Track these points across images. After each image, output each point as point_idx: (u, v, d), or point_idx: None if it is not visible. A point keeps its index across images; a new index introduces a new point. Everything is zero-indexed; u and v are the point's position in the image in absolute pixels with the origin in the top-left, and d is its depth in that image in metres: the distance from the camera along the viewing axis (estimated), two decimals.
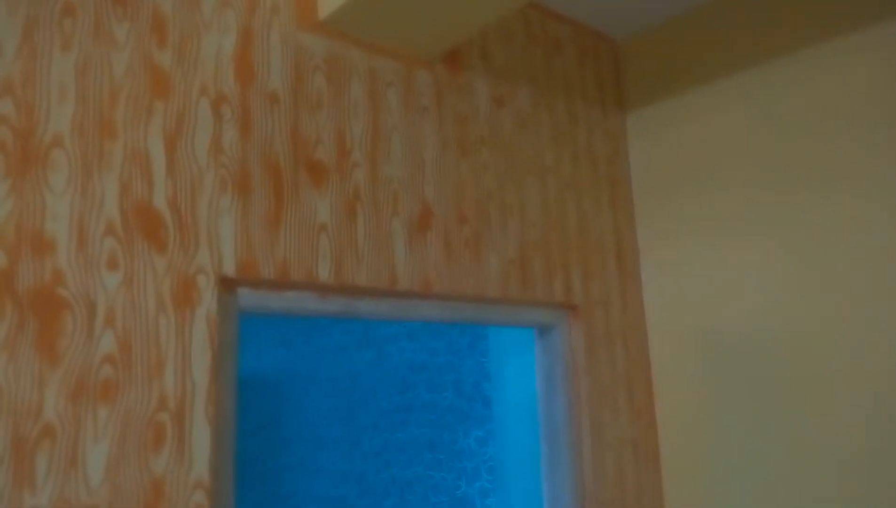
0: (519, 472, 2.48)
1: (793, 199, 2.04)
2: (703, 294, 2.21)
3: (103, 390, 1.22)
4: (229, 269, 1.40)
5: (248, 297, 1.46)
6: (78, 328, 1.21)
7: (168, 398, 1.28)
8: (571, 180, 2.19)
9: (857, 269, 1.89)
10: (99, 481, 1.18)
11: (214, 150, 1.42)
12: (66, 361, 1.19)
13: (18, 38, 1.22)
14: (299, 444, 3.88)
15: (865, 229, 1.89)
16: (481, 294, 1.86)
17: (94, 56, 1.30)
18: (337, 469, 3.57)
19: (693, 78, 2.32)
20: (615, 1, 2.29)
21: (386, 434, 3.28)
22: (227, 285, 1.42)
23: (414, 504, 3.08)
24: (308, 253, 1.52)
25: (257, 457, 4.22)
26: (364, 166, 1.66)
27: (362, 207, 1.64)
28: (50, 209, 1.21)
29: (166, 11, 1.41)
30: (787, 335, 2.01)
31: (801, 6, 2.09)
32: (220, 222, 1.40)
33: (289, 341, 4.03)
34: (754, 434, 2.04)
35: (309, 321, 3.99)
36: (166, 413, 1.27)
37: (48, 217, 1.20)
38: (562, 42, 2.29)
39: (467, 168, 1.90)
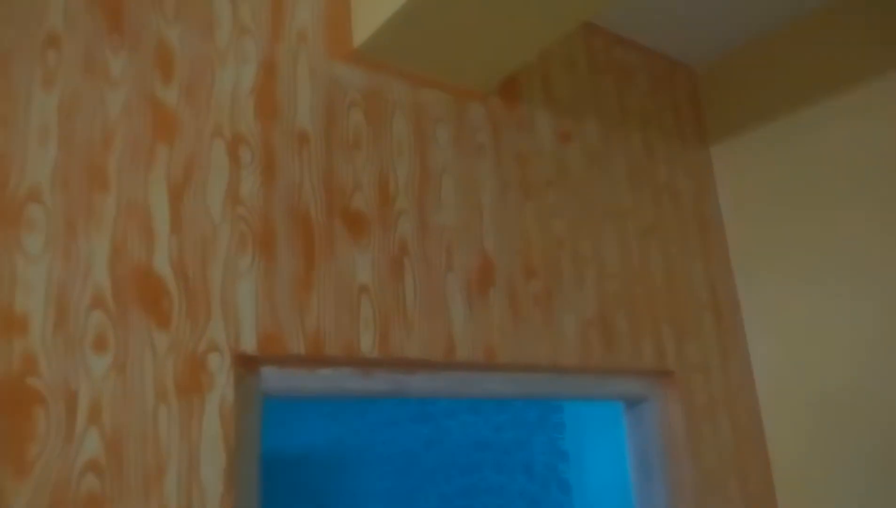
0: None
1: None
2: (822, 351, 1.83)
3: (86, 507, 0.94)
4: (249, 344, 1.13)
5: (273, 377, 1.18)
6: (53, 428, 0.95)
7: None
8: (654, 224, 1.88)
9: None
10: None
11: (231, 200, 1.18)
12: (37, 471, 0.92)
13: None
14: None
15: None
16: (556, 362, 1.54)
17: (83, 93, 1.09)
18: None
19: (783, 103, 2.00)
20: (689, 25, 2.02)
21: None
22: (246, 364, 1.15)
23: None
24: (347, 321, 1.25)
25: None
26: (411, 215, 1.40)
27: (410, 262, 1.37)
28: (22, 278, 0.97)
29: (173, 41, 1.20)
30: None
31: None
32: (237, 286, 1.15)
33: (338, 414, 3.73)
34: None
35: None
36: None
37: (19, 288, 0.97)
38: (631, 70, 2.02)
39: (532, 213, 1.61)
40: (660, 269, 1.84)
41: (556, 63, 1.81)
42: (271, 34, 1.32)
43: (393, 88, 1.46)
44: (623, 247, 1.77)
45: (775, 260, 1.97)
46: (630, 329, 1.71)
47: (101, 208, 1.06)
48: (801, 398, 1.86)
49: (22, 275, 0.97)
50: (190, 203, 1.14)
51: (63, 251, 1.01)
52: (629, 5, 1.92)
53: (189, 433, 1.05)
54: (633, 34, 2.04)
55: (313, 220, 1.26)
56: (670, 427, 1.78)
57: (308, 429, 3.92)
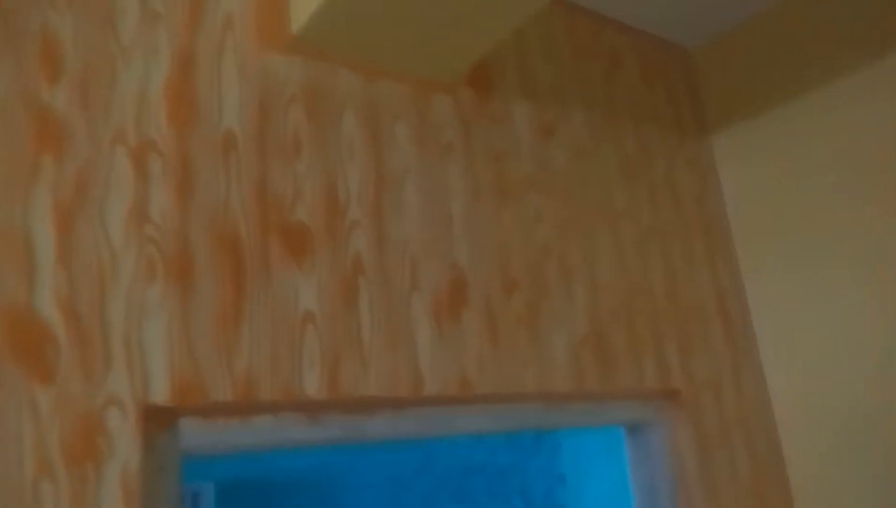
0: None
1: None
2: (844, 363, 1.62)
3: None
4: (161, 394, 0.93)
5: (194, 432, 0.98)
6: None
7: None
8: (652, 226, 1.67)
9: None
10: None
11: (136, 220, 0.98)
12: None
13: None
14: None
15: None
16: (545, 389, 1.33)
17: None
18: None
19: (790, 84, 1.79)
20: (683, 2, 1.82)
21: None
22: (158, 418, 0.95)
23: None
24: (286, 358, 1.04)
25: None
26: (366, 227, 1.19)
27: (366, 283, 1.16)
28: None
29: (62, 33, 0.99)
30: None
31: None
32: (144, 325, 0.94)
33: None
34: None
35: None
36: None
37: None
38: (620, 54, 1.81)
39: (512, 219, 1.40)
40: (660, 276, 1.63)
41: (535, 48, 1.61)
42: (189, 21, 1.11)
43: (340, 81, 1.25)
44: (618, 254, 1.56)
45: (789, 263, 1.76)
46: (628, 346, 1.50)
47: None
48: (822, 417, 1.65)
49: None
50: (82, 226, 0.94)
51: None
52: None
53: None
54: (621, 14, 1.84)
55: (243, 239, 1.06)
56: (679, 455, 1.57)
57: (294, 455, 3.71)
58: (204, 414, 0.98)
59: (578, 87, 1.66)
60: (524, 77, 1.55)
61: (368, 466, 3.18)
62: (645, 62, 1.87)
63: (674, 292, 1.64)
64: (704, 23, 1.92)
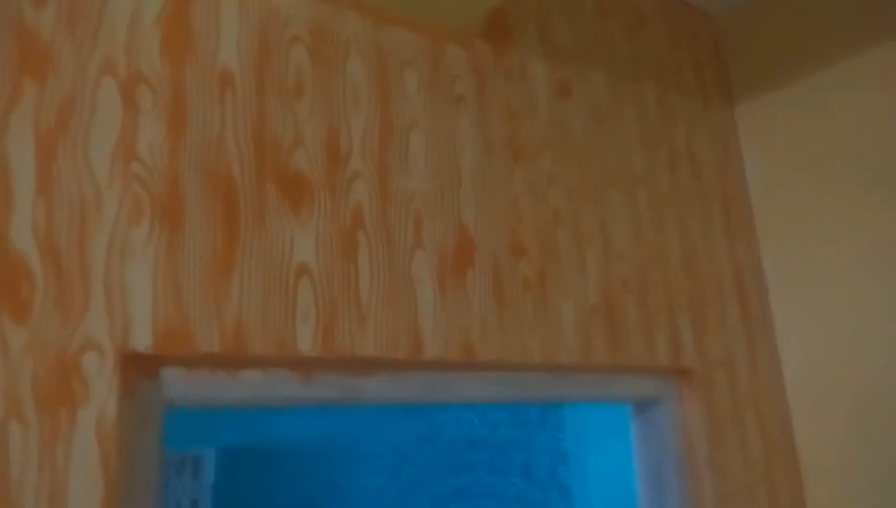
0: None
1: None
2: (863, 346, 1.55)
3: None
4: (143, 341, 0.87)
5: (178, 383, 0.92)
6: None
7: None
8: (670, 195, 1.60)
9: None
10: None
11: (122, 155, 0.92)
12: None
13: None
14: None
15: None
16: (551, 360, 1.27)
17: None
18: None
19: (819, 56, 1.70)
20: None
21: None
22: (139, 366, 0.89)
23: None
24: (279, 310, 0.98)
25: None
26: (369, 178, 1.13)
27: (367, 238, 1.10)
28: None
29: None
30: None
31: None
32: (127, 266, 0.88)
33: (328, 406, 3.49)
34: None
35: None
36: None
37: None
38: (645, 15, 1.73)
39: (523, 180, 1.33)
40: (676, 248, 1.56)
41: (556, 3, 1.52)
42: None
43: (347, 24, 1.18)
44: (633, 222, 1.49)
45: (810, 241, 1.68)
46: (641, 320, 1.43)
47: None
48: (837, 401, 1.58)
49: None
50: (65, 158, 0.88)
51: None
52: None
53: (52, 459, 0.79)
54: None
55: (237, 183, 1.00)
56: (688, 434, 1.51)
57: (296, 422, 3.69)
58: (189, 365, 0.93)
59: (599, 46, 1.57)
60: (543, 33, 1.47)
61: (371, 436, 3.15)
62: (669, 25, 1.78)
63: (689, 265, 1.57)
64: None
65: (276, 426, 3.79)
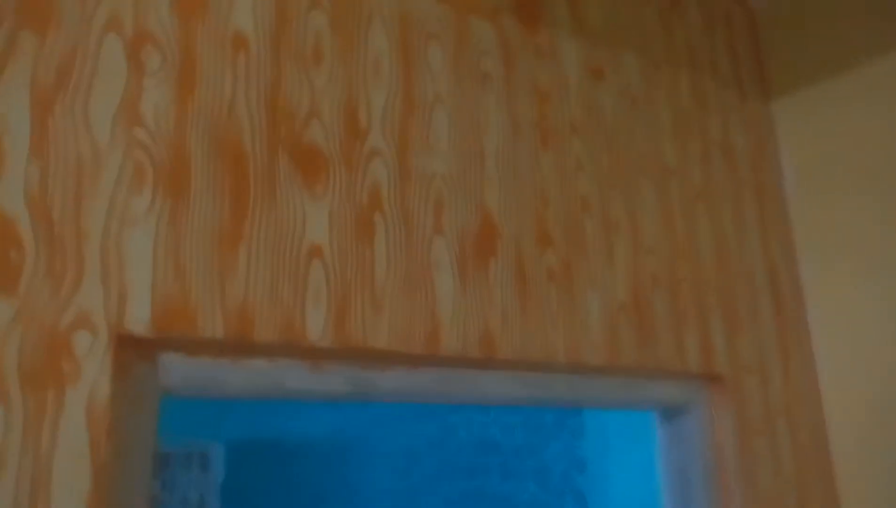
0: None
1: None
2: None
3: None
4: (140, 321, 0.80)
5: (177, 369, 0.85)
6: None
7: None
8: (704, 188, 1.51)
9: None
10: None
11: (126, 117, 0.85)
12: None
13: None
14: None
15: None
16: (577, 358, 1.19)
17: None
18: None
19: (861, 52, 1.61)
20: None
21: None
22: (135, 348, 0.82)
23: None
24: (288, 294, 0.91)
25: None
26: (388, 156, 1.05)
27: (384, 219, 1.03)
28: None
29: None
30: None
31: None
32: (126, 237, 0.82)
33: (338, 402, 3.41)
34: None
35: None
36: None
37: None
38: (682, 2, 1.64)
39: (551, 165, 1.25)
40: (709, 244, 1.48)
41: None
42: None
43: None
44: (664, 213, 1.41)
45: (848, 241, 1.59)
46: (671, 319, 1.35)
47: None
48: (876, 410, 1.49)
49: None
50: (63, 117, 0.81)
51: None
52: None
53: (37, 441, 0.72)
54: None
55: (247, 153, 0.93)
56: (717, 444, 1.42)
57: (306, 417, 3.62)
58: (189, 349, 0.86)
59: (634, 29, 1.49)
60: (576, 12, 1.39)
61: (382, 435, 3.08)
62: (705, 10, 1.69)
63: (722, 261, 1.49)
64: None
65: (286, 420, 3.72)
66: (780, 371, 1.53)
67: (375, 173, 1.03)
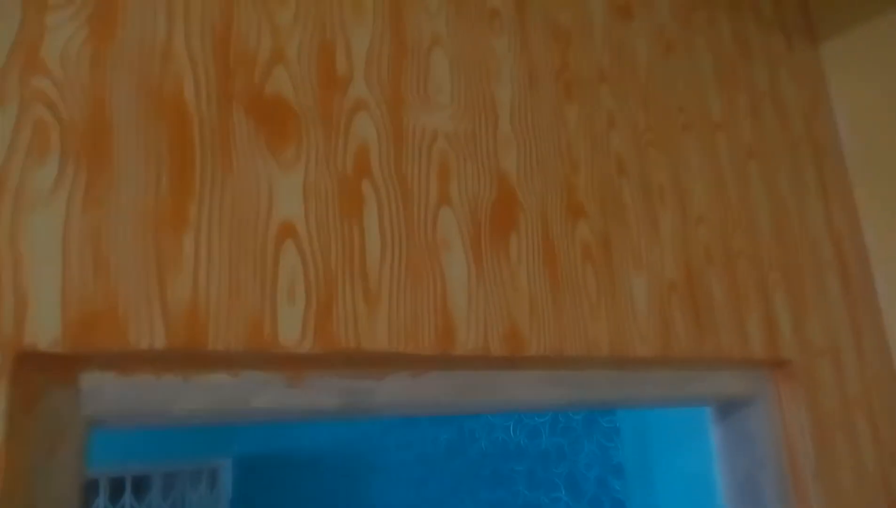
0: None
1: None
2: None
3: None
4: (46, 333, 0.59)
5: (105, 392, 0.64)
6: None
7: None
8: (754, 145, 1.29)
9: None
10: None
11: (21, 65, 0.64)
12: None
13: None
14: None
15: None
16: (623, 352, 0.97)
17: None
18: None
19: None
20: None
21: None
22: (42, 370, 0.61)
23: None
24: (252, 289, 0.70)
25: None
26: (376, 110, 0.84)
27: (374, 189, 0.81)
28: None
29: None
30: None
31: None
32: (25, 223, 0.60)
33: None
34: None
35: None
36: None
37: None
38: None
39: (577, 119, 1.04)
40: (766, 210, 1.25)
41: None
42: None
43: None
44: (713, 175, 1.19)
45: None
46: (728, 299, 1.13)
47: None
48: None
49: None
50: None
51: None
52: None
53: None
54: None
55: (191, 108, 0.71)
56: (789, 441, 1.20)
57: (315, 429, 3.42)
58: (120, 366, 0.65)
59: None
60: None
61: (395, 443, 2.87)
62: None
63: (781, 230, 1.26)
64: None
65: (295, 433, 3.53)
66: (853, 354, 1.31)
67: (361, 132, 0.82)
